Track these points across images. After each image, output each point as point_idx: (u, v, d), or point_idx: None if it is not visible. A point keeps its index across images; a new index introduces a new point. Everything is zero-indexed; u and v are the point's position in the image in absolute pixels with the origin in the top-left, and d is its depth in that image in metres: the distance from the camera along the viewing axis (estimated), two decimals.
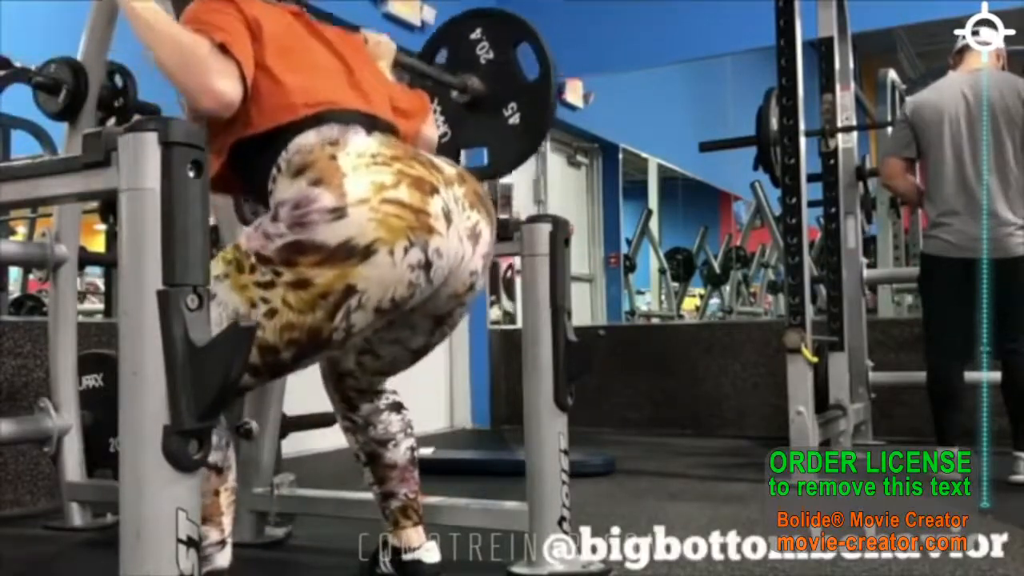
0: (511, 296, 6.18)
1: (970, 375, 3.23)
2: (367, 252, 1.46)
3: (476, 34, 2.22)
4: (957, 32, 3.33)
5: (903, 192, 3.50)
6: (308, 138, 1.56)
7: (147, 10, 1.55)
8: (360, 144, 1.55)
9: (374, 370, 1.86)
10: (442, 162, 1.64)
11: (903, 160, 3.33)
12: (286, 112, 1.58)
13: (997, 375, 3.15)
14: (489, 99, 2.19)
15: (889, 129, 3.94)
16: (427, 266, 1.53)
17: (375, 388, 1.90)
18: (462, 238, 1.60)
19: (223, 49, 1.53)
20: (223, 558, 1.59)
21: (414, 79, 2.23)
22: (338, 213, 1.45)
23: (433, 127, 1.95)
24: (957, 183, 3.17)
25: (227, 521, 1.60)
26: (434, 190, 1.54)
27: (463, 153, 2.33)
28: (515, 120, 2.15)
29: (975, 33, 3.25)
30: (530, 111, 2.15)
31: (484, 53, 2.20)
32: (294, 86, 1.60)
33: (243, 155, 1.60)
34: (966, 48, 3.31)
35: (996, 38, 3.26)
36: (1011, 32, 3.21)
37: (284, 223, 1.46)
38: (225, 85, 1.52)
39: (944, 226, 3.18)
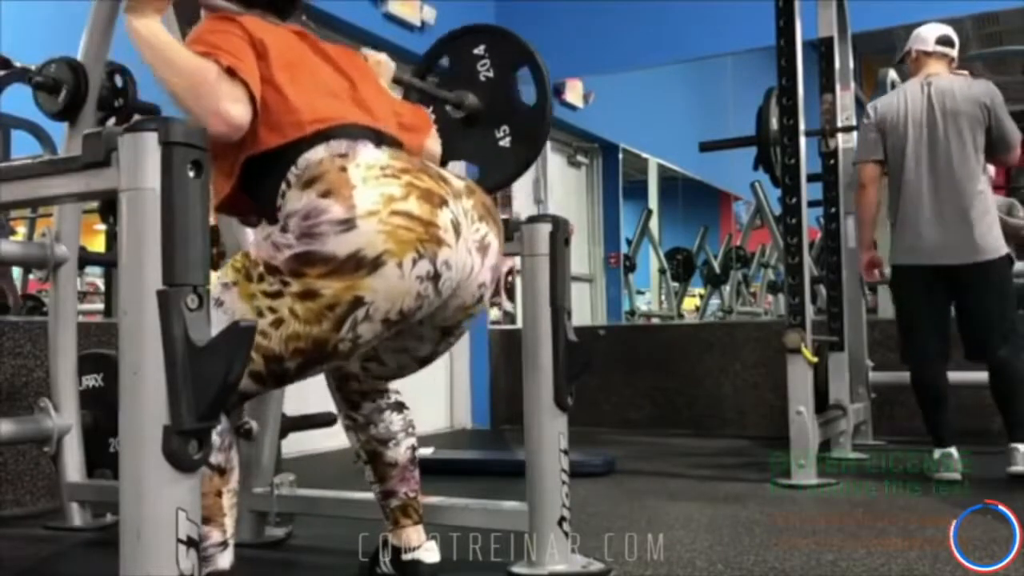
0: (512, 299, 6.18)
1: (957, 376, 3.26)
2: (376, 264, 1.46)
3: (479, 50, 2.23)
4: (924, 32, 3.37)
5: (866, 205, 3.39)
6: (317, 153, 1.57)
7: (154, 35, 1.54)
8: (370, 156, 1.55)
9: (378, 375, 1.87)
10: (450, 175, 1.65)
11: (876, 164, 3.35)
12: (294, 129, 1.59)
13: (984, 376, 3.18)
14: (483, 118, 2.22)
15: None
16: (435, 277, 1.53)
17: (378, 389, 1.91)
18: (471, 250, 1.61)
19: (230, 72, 1.53)
20: (225, 559, 1.58)
21: (411, 93, 2.25)
22: (347, 225, 1.45)
23: (436, 141, 1.97)
24: (920, 189, 3.19)
25: (229, 522, 1.60)
26: (443, 202, 1.55)
27: (453, 165, 2.35)
28: (506, 143, 2.18)
29: (939, 41, 3.32)
30: (522, 136, 2.17)
31: (484, 71, 2.22)
32: (301, 103, 1.60)
33: (253, 174, 1.61)
34: (922, 54, 3.34)
35: (955, 47, 3.37)
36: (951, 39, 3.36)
37: (293, 234, 1.47)
38: (235, 108, 1.53)
39: (910, 233, 3.21)
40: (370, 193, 1.47)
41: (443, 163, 2.04)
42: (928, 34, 3.37)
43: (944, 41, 3.35)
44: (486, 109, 2.21)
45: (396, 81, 2.09)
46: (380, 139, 1.65)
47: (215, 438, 1.52)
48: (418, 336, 1.76)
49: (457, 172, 1.71)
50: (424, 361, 1.84)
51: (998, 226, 3.18)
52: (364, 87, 1.76)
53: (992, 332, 3.12)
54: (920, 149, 3.20)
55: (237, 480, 1.62)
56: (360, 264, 1.45)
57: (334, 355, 1.54)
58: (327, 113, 1.62)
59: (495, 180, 2.26)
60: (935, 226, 3.14)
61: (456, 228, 1.56)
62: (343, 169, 1.50)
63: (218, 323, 1.24)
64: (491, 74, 2.21)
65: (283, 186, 1.57)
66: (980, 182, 3.15)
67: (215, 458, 1.55)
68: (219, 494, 1.57)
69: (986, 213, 3.13)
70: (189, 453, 1.09)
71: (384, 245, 1.46)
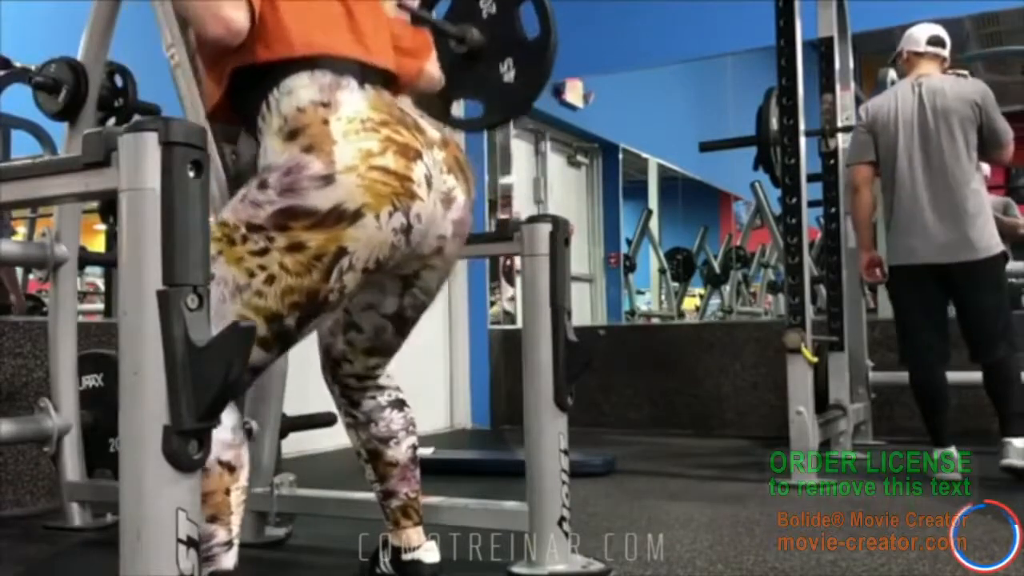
0: (511, 283, 6.08)
1: (957, 376, 3.27)
2: (356, 216, 1.51)
3: None
4: (915, 32, 3.37)
5: (860, 206, 3.39)
6: (301, 80, 1.59)
7: None
8: (351, 107, 1.57)
9: (364, 347, 1.86)
10: (427, 124, 1.68)
11: (869, 165, 3.35)
12: (283, 47, 1.61)
13: (978, 375, 3.19)
14: (486, 52, 2.19)
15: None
16: (408, 229, 1.58)
17: (373, 376, 1.90)
18: (436, 201, 1.64)
19: None
20: (229, 559, 1.54)
21: (412, 24, 2.24)
22: (327, 180, 1.49)
23: (436, 65, 1.97)
24: (914, 189, 3.19)
25: (235, 521, 1.56)
26: (418, 155, 1.59)
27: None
28: (510, 77, 2.16)
29: (931, 42, 3.33)
30: (526, 68, 2.15)
31: (487, 7, 2.21)
32: (294, 26, 1.63)
33: (239, 85, 1.64)
34: (914, 55, 3.34)
35: (946, 47, 3.37)
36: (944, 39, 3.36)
37: (274, 190, 1.50)
38: (236, 14, 1.56)
39: (905, 234, 3.21)
40: (349, 148, 1.52)
41: (445, 97, 2.05)
42: (919, 34, 3.37)
43: (935, 41, 3.35)
44: (488, 43, 2.18)
45: (400, 6, 2.06)
46: (365, 75, 1.67)
47: (228, 435, 1.52)
48: (380, 287, 1.77)
49: (436, 123, 1.73)
50: (397, 322, 1.82)
51: (993, 224, 3.18)
52: (363, 15, 1.76)
53: (988, 330, 3.13)
54: (912, 149, 3.20)
55: (246, 478, 1.60)
56: (342, 216, 1.50)
57: (325, 305, 1.57)
58: (317, 40, 1.64)
59: (498, 116, 2.26)
60: (930, 225, 3.15)
61: (428, 181, 1.61)
62: (325, 122, 1.53)
63: (214, 296, 1.24)
64: (493, 10, 2.20)
65: (263, 107, 1.60)
66: (974, 180, 3.16)
67: (225, 455, 1.53)
68: (227, 492, 1.55)
69: (980, 211, 3.13)
70: (189, 453, 1.09)
71: (363, 198, 1.51)
